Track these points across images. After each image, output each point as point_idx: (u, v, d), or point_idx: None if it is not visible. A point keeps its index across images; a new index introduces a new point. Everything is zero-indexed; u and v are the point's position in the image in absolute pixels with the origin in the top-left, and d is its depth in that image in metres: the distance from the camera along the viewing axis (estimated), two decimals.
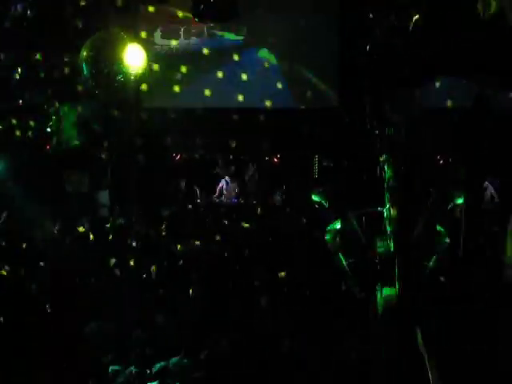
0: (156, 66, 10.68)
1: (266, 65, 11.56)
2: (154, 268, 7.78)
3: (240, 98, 11.36)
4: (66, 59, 10.01)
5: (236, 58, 11.38)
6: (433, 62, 4.34)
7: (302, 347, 5.80)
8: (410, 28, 4.38)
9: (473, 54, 4.10)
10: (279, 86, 11.53)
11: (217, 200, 12.19)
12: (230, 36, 11.43)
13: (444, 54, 4.18)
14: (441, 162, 11.92)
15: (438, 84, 9.10)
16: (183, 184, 12.42)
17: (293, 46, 11.36)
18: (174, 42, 11.33)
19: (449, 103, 10.73)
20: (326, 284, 7.47)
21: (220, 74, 11.33)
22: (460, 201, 8.62)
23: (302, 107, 11.76)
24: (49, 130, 11.36)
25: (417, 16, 4.33)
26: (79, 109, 10.85)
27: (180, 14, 10.82)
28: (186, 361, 5.60)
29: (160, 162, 12.44)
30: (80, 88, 10.13)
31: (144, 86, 10.72)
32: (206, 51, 11.22)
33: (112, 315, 6.31)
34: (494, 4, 3.39)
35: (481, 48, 4.00)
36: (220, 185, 12.30)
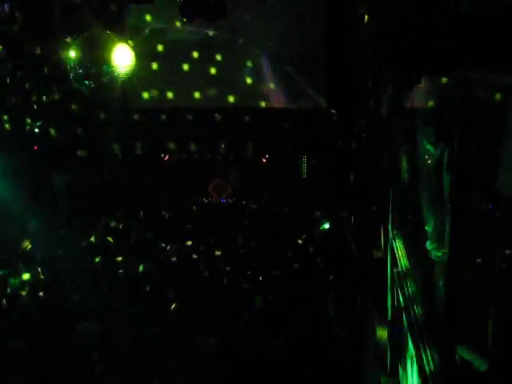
0: (143, 66, 10.65)
1: (250, 64, 11.52)
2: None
3: (225, 97, 11.39)
4: (52, 59, 9.96)
5: (222, 57, 11.37)
6: (421, 60, 4.34)
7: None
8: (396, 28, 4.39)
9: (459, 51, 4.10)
10: (267, 85, 11.53)
11: (206, 200, 12.22)
12: (217, 35, 11.38)
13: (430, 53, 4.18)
14: None
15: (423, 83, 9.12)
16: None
17: (281, 46, 11.36)
18: (160, 42, 11.29)
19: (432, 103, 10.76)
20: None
21: (206, 74, 11.32)
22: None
23: (291, 107, 11.76)
24: (36, 130, 11.29)
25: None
26: None
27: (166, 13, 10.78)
28: None
29: (149, 163, 12.43)
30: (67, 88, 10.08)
31: (131, 87, 10.70)
32: (191, 51, 11.20)
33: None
34: None
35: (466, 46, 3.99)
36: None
